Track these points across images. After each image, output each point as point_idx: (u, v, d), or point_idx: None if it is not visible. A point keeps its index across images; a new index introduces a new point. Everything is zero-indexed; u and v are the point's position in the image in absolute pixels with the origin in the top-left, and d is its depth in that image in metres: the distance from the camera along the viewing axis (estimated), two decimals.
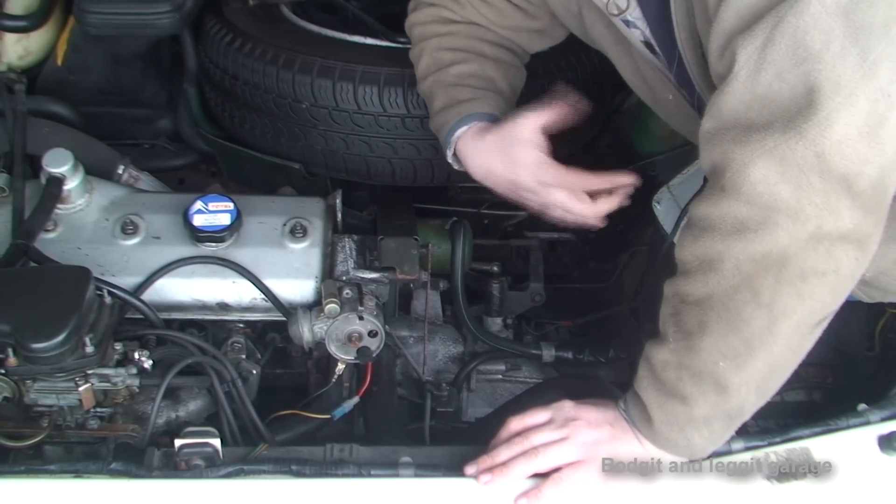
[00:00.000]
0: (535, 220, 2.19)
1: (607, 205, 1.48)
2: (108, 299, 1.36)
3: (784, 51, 1.07)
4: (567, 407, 1.32)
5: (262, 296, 1.55)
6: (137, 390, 1.39)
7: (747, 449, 1.27)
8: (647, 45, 1.40)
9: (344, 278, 1.60)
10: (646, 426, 1.25)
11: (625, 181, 1.49)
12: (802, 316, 1.14)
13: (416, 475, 1.25)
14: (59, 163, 1.57)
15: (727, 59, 1.13)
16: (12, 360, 1.27)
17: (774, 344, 1.15)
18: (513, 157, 1.48)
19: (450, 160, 1.58)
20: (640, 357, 1.26)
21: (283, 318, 1.54)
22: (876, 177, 1.09)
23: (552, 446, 1.26)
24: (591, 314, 2.05)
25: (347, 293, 1.53)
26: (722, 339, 1.16)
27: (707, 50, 1.18)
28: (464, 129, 1.53)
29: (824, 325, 1.17)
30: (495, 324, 1.87)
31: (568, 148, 2.12)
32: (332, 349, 1.49)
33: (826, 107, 1.05)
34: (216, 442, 1.26)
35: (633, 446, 1.26)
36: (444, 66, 1.60)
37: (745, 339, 1.15)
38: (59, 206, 1.57)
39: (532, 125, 1.47)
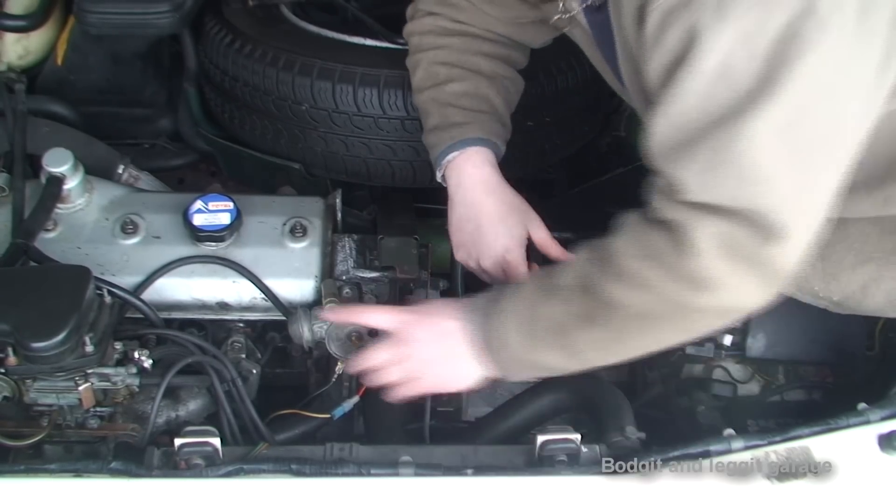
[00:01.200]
0: None
1: None
2: (107, 298, 1.36)
3: (729, 171, 1.10)
4: (406, 323, 1.39)
5: (262, 295, 1.55)
6: (137, 389, 1.39)
7: (747, 448, 1.27)
8: None
9: (344, 278, 1.60)
10: (494, 352, 1.33)
11: None
12: (670, 345, 1.28)
13: (416, 474, 1.25)
14: (58, 162, 1.57)
15: (667, 175, 1.17)
16: (12, 360, 1.27)
17: (636, 355, 1.30)
18: (501, 231, 1.52)
19: (438, 180, 1.60)
20: (527, 283, 1.33)
21: (283, 318, 1.54)
22: (795, 265, 1.17)
23: (388, 367, 1.40)
24: None
25: (347, 292, 1.53)
26: (602, 340, 1.26)
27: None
28: (455, 154, 1.55)
29: None
30: None
31: (567, 149, 2.12)
32: (332, 349, 1.48)
33: (776, 219, 1.11)
34: (216, 441, 1.25)
35: (460, 364, 1.36)
36: (439, 82, 1.60)
37: (621, 347, 1.28)
38: (59, 205, 1.57)
39: (542, 233, 1.54)
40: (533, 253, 1.55)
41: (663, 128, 1.15)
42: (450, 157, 1.56)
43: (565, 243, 1.51)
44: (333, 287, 1.52)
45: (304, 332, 1.48)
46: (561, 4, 1.38)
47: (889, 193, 1.35)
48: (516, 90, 1.67)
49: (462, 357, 1.36)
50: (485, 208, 1.54)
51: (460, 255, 1.59)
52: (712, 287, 1.15)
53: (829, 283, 1.45)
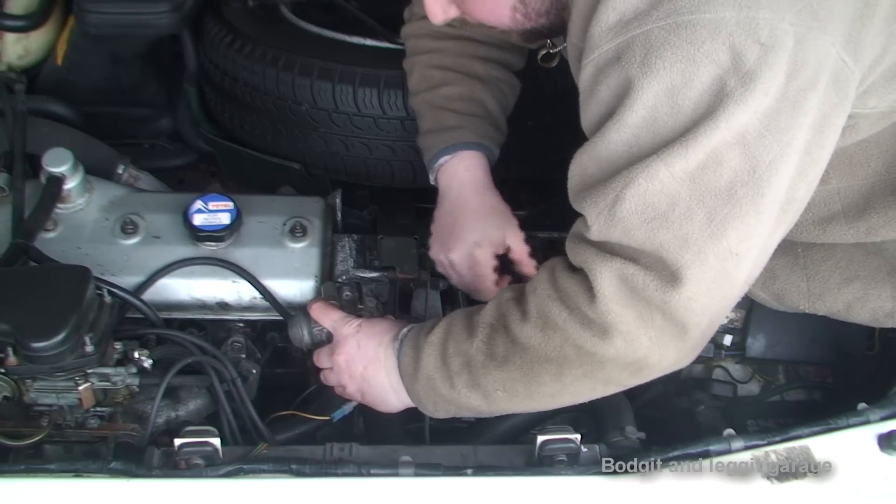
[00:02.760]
0: (535, 220, 2.19)
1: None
2: (107, 298, 1.36)
3: (633, 209, 1.11)
4: (340, 339, 1.41)
5: (262, 295, 1.55)
6: (137, 389, 1.39)
7: (747, 448, 1.27)
8: None
9: (344, 278, 1.60)
10: (408, 378, 1.34)
11: None
12: (583, 398, 1.28)
13: (416, 474, 1.25)
14: (58, 162, 1.57)
15: (579, 202, 1.19)
16: (12, 360, 1.27)
17: (549, 404, 1.30)
18: (477, 226, 1.53)
19: (432, 182, 1.61)
20: (457, 319, 1.31)
21: (283, 318, 1.54)
22: (708, 324, 1.17)
23: (326, 373, 1.45)
24: None
25: (347, 294, 1.53)
26: (512, 380, 1.25)
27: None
28: (447, 157, 1.56)
29: None
30: None
31: (567, 149, 2.12)
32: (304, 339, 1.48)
33: (676, 263, 1.11)
34: (216, 441, 1.25)
35: (379, 384, 1.38)
36: (433, 85, 1.61)
37: (530, 391, 1.25)
38: (59, 205, 1.57)
39: (519, 245, 1.53)
40: (507, 266, 1.55)
41: (589, 166, 1.16)
42: (442, 160, 1.57)
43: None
44: (333, 289, 1.52)
45: (304, 335, 1.48)
46: (548, 42, 1.40)
47: (871, 224, 1.34)
48: (512, 93, 1.68)
49: (383, 385, 1.38)
50: (468, 205, 1.54)
51: (434, 250, 1.58)
52: (615, 333, 1.15)
53: (814, 303, 1.45)
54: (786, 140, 1.08)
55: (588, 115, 1.18)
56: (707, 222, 1.09)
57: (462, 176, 1.56)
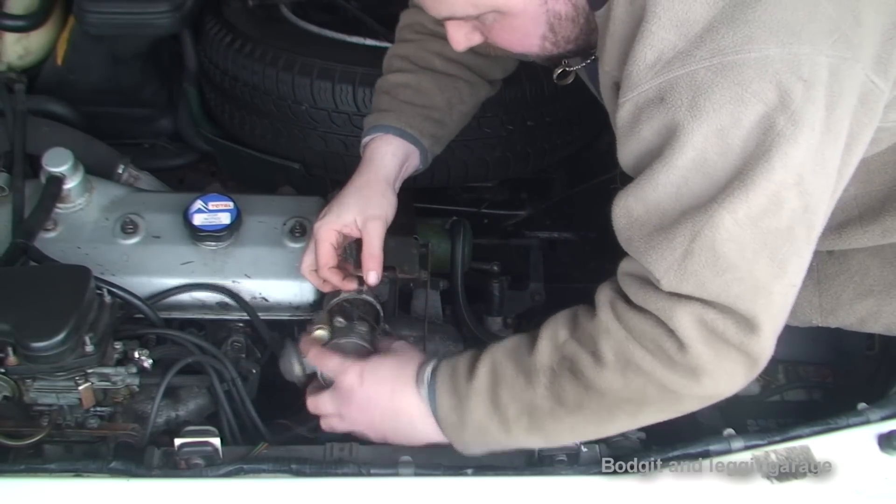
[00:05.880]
0: (535, 220, 2.20)
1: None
2: (107, 298, 1.36)
3: (704, 262, 1.11)
4: (344, 391, 1.33)
5: (262, 295, 1.55)
6: (137, 389, 1.39)
7: (747, 448, 1.27)
8: None
9: None
10: (452, 428, 1.28)
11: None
12: (646, 425, 1.27)
13: (416, 474, 1.25)
14: (58, 162, 1.57)
15: (636, 250, 1.17)
16: (12, 359, 1.27)
17: (611, 433, 1.29)
18: (349, 202, 1.46)
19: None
20: (503, 362, 1.26)
21: (283, 318, 1.55)
22: (769, 353, 1.18)
23: (330, 419, 1.36)
24: None
25: (339, 321, 1.48)
26: (584, 423, 1.24)
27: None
28: (369, 138, 1.54)
29: None
30: (495, 323, 1.87)
31: (567, 149, 2.12)
32: (322, 378, 1.46)
33: (751, 311, 1.13)
34: (216, 441, 1.25)
35: (403, 432, 1.32)
36: (390, 71, 1.61)
37: (600, 430, 1.26)
38: (59, 205, 1.57)
39: (371, 238, 1.45)
40: (348, 254, 1.50)
41: (636, 208, 1.15)
42: (366, 139, 1.55)
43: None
44: (326, 318, 1.49)
45: (295, 367, 1.43)
46: (564, 62, 1.38)
47: (887, 226, 1.35)
48: (472, 94, 1.62)
49: (406, 434, 1.32)
50: (352, 184, 1.48)
51: None
52: (703, 374, 1.16)
53: (826, 317, 1.46)
54: (830, 171, 1.10)
55: (627, 151, 1.17)
56: (770, 263, 1.11)
57: (370, 156, 1.52)
